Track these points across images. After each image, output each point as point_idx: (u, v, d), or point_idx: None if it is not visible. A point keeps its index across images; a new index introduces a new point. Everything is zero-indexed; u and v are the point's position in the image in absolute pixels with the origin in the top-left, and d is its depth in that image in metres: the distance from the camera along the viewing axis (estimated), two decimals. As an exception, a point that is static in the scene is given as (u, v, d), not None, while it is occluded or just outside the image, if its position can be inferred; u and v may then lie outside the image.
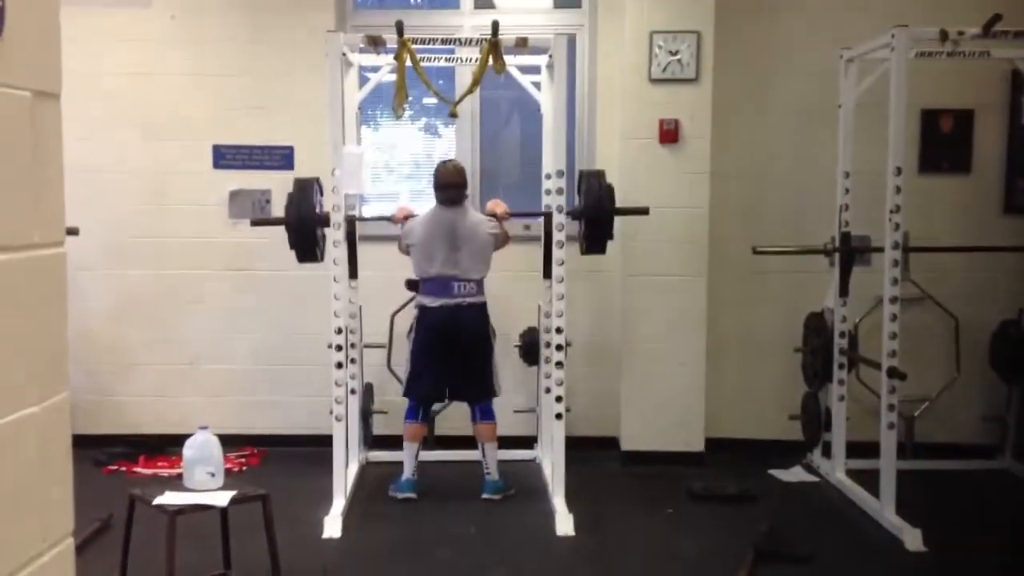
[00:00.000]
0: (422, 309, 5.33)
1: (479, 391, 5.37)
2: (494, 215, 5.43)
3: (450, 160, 5.66)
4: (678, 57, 5.81)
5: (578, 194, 5.50)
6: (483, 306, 5.35)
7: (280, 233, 6.09)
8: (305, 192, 5.23)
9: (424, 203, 6.52)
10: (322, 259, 5.29)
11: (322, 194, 5.26)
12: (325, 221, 5.11)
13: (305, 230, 5.19)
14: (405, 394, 5.43)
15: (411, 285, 5.43)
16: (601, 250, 5.45)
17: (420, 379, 5.36)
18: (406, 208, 5.50)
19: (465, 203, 5.43)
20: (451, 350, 5.30)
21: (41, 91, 1.32)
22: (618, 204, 5.94)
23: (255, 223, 5.27)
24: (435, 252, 5.28)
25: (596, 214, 5.30)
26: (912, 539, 4.60)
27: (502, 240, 5.45)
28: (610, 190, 5.32)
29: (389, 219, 5.51)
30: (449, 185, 5.35)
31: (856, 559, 4.56)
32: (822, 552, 4.54)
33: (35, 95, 1.30)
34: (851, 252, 5.58)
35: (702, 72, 5.83)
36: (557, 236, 5.00)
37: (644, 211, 5.40)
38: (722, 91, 5.91)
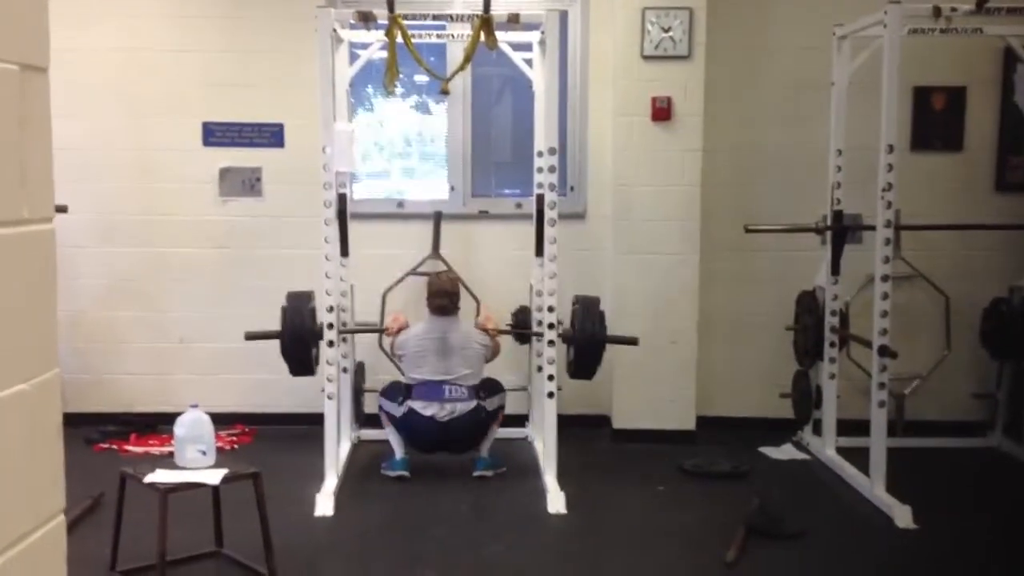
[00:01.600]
0: (411, 411, 5.27)
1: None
2: (485, 330, 5.44)
3: (444, 271, 5.69)
4: (670, 34, 5.78)
5: (572, 312, 5.40)
6: (477, 410, 5.28)
7: (269, 212, 6.11)
8: (299, 306, 5.20)
9: (413, 182, 6.52)
10: (315, 374, 5.25)
11: (314, 306, 5.24)
12: (319, 335, 5.08)
13: (299, 345, 5.18)
14: (383, 393, 5.43)
15: (401, 391, 5.39)
16: (588, 377, 5.41)
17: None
18: (400, 319, 5.48)
19: (457, 314, 5.43)
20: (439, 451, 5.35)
21: (29, 64, 1.30)
22: (609, 186, 5.95)
23: (249, 338, 5.24)
24: (426, 359, 5.30)
25: (588, 343, 5.26)
26: (902, 516, 4.63)
27: (493, 352, 5.47)
28: (602, 317, 5.29)
29: (383, 331, 5.51)
30: (442, 293, 5.37)
31: (846, 536, 4.58)
32: (812, 529, 4.57)
33: (22, 68, 1.28)
34: (843, 230, 5.58)
35: (694, 49, 5.81)
36: (549, 215, 4.98)
37: (634, 341, 5.36)
38: (715, 68, 5.89)
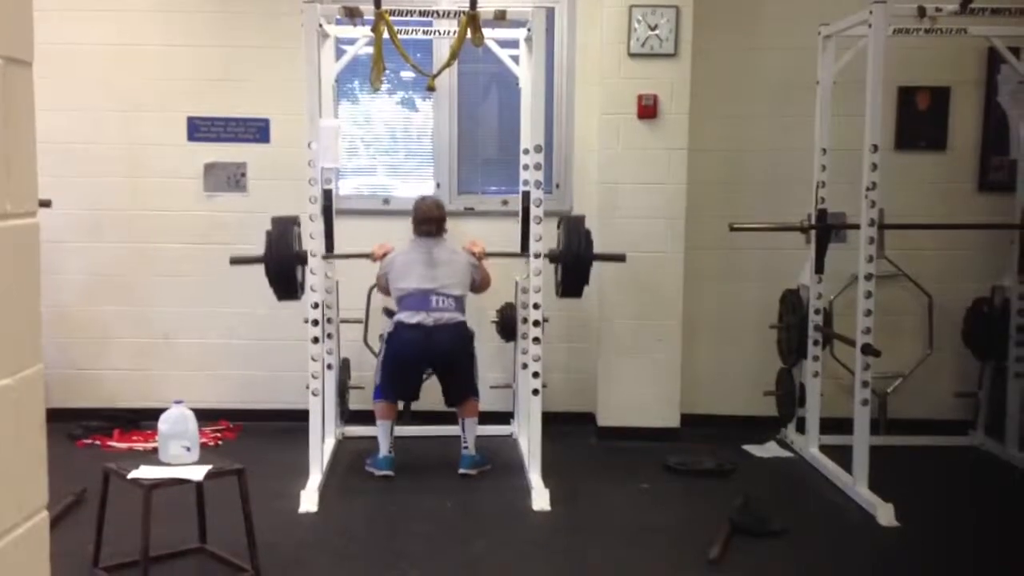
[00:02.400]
0: (398, 325, 5.27)
1: (457, 395, 5.38)
2: (472, 253, 5.42)
3: (429, 196, 5.66)
4: (657, 32, 5.79)
5: (558, 231, 5.43)
6: (460, 325, 5.29)
7: (254, 208, 6.08)
8: (284, 231, 5.17)
9: (399, 179, 6.51)
10: (301, 296, 5.22)
11: (300, 230, 5.20)
12: (303, 259, 5.06)
13: (284, 270, 5.15)
14: (376, 398, 5.39)
15: (390, 313, 5.41)
16: (577, 295, 5.42)
17: (391, 389, 5.33)
18: (385, 245, 5.46)
19: (444, 235, 5.41)
20: (424, 367, 5.33)
21: (12, 58, 1.29)
22: (594, 180, 5.95)
23: (234, 262, 5.20)
24: (412, 271, 5.28)
25: (575, 261, 5.27)
26: (885, 514, 4.65)
27: (483, 279, 5.44)
28: (588, 236, 5.29)
29: (368, 256, 5.48)
30: (429, 219, 5.36)
31: (829, 533, 4.61)
32: (796, 526, 4.58)
33: (6, 62, 1.27)
34: (827, 229, 5.60)
35: (681, 47, 5.82)
36: (535, 212, 4.98)
37: (621, 258, 5.39)
38: (701, 66, 5.91)
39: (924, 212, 5.95)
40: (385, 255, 5.40)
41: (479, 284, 5.45)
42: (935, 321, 6.08)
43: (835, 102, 5.57)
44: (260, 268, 5.99)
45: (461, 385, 5.36)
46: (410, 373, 5.33)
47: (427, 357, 5.29)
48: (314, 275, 4.97)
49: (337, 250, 5.58)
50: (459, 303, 5.29)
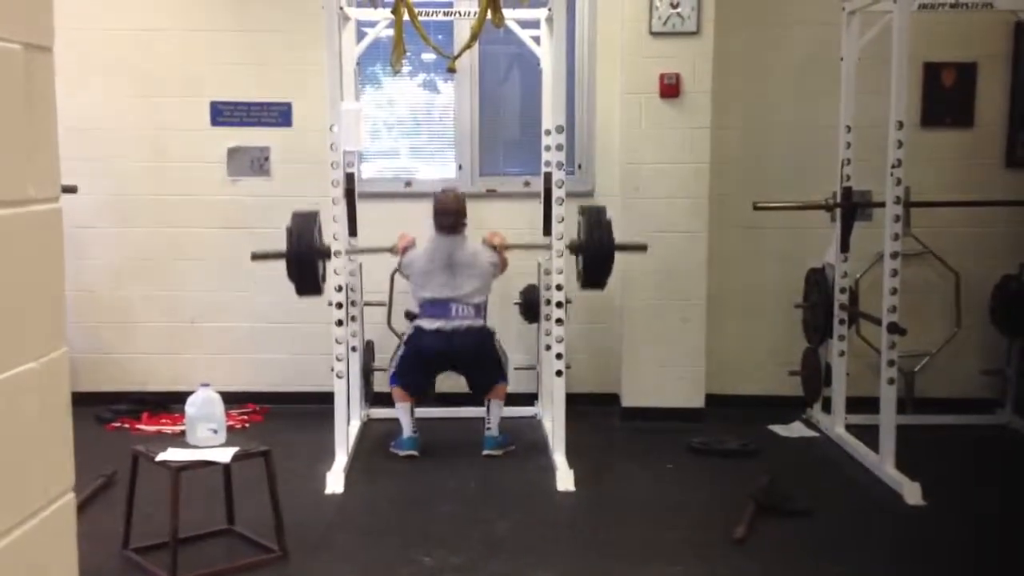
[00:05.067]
0: (417, 329, 5.31)
1: (483, 388, 5.41)
2: (492, 246, 5.42)
3: (449, 188, 5.64)
4: (679, 10, 5.75)
5: (578, 223, 5.39)
6: (481, 329, 5.32)
7: (278, 192, 6.11)
8: (305, 225, 5.17)
9: (421, 161, 6.51)
10: (323, 292, 5.21)
11: (321, 226, 5.19)
12: (326, 254, 5.07)
13: (306, 264, 5.14)
14: (391, 383, 5.42)
15: (411, 316, 5.43)
16: (600, 287, 5.38)
17: (410, 383, 5.37)
18: (407, 237, 5.45)
19: (464, 232, 5.41)
20: (445, 369, 5.37)
21: (32, 44, 1.30)
22: (616, 160, 5.92)
23: (255, 257, 5.20)
24: (433, 277, 5.29)
25: (596, 251, 5.23)
26: (911, 493, 4.63)
27: (501, 267, 5.46)
28: (609, 226, 5.26)
29: (390, 250, 5.48)
30: (447, 212, 5.35)
31: (855, 513, 4.59)
32: (821, 506, 4.57)
33: (26, 48, 1.28)
34: (853, 207, 5.55)
35: (703, 25, 5.78)
36: (557, 193, 4.97)
37: (643, 247, 5.35)
38: (724, 44, 5.86)
39: (950, 189, 5.90)
40: (406, 250, 5.40)
41: (497, 274, 5.46)
42: (962, 299, 6.03)
43: (860, 79, 5.52)
44: (281, 244, 6.03)
45: (486, 378, 5.39)
46: (428, 371, 5.39)
47: (448, 358, 5.33)
48: (337, 258, 4.98)
49: (360, 233, 5.59)
50: (479, 310, 5.32)
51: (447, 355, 5.29)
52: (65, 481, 1.41)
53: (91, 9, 5.99)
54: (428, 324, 5.27)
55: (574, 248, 5.22)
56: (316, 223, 5.15)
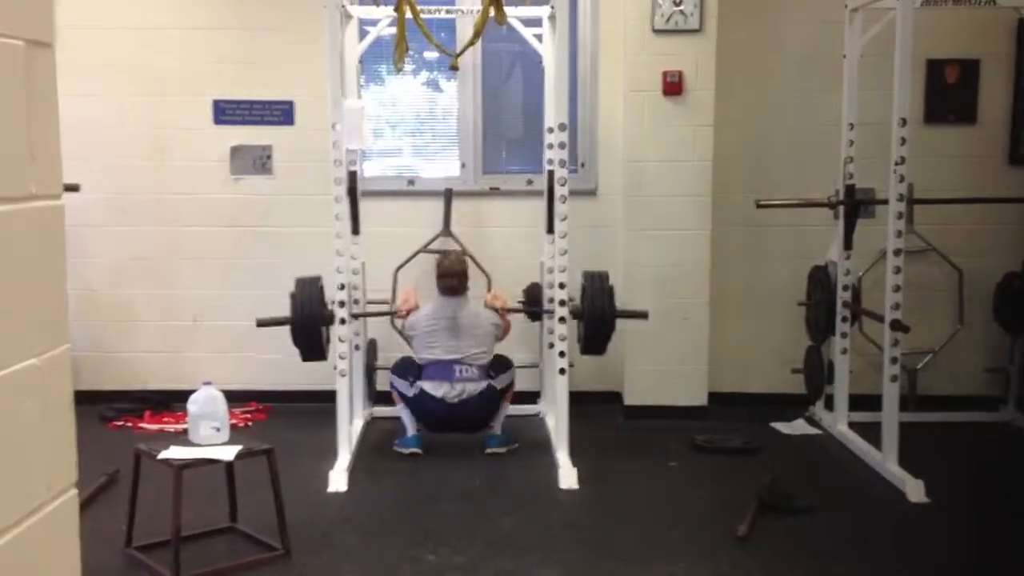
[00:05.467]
0: (421, 394, 5.29)
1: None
2: (494, 308, 5.43)
3: (452, 251, 5.69)
4: (681, 7, 5.74)
5: (581, 288, 5.38)
6: (485, 392, 5.29)
7: (281, 191, 6.12)
8: (308, 291, 5.17)
9: (424, 160, 6.50)
10: (327, 358, 5.23)
11: (324, 291, 5.20)
12: (329, 320, 5.08)
13: (310, 331, 5.15)
14: (391, 388, 5.45)
15: (407, 362, 5.44)
16: (600, 352, 5.39)
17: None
18: (410, 299, 5.46)
19: (466, 294, 5.44)
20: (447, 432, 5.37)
21: (34, 40, 1.30)
22: (619, 158, 5.92)
23: (260, 324, 5.21)
24: (437, 339, 5.31)
25: (598, 319, 5.22)
26: (914, 490, 4.63)
27: (504, 331, 5.48)
28: (611, 293, 5.26)
29: (393, 313, 5.49)
30: (452, 274, 5.38)
31: (858, 510, 4.58)
32: (824, 504, 4.57)
33: (28, 44, 1.28)
34: (856, 204, 5.54)
35: (706, 22, 5.77)
36: (560, 191, 4.96)
37: (644, 315, 5.33)
38: (726, 42, 5.86)
39: (954, 186, 5.89)
40: (409, 313, 5.41)
41: (500, 337, 5.49)
42: (965, 296, 6.02)
43: (863, 76, 5.51)
44: (284, 246, 6.06)
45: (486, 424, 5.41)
46: (437, 429, 5.37)
47: (453, 424, 5.32)
48: (340, 256, 4.98)
49: (363, 231, 5.60)
50: (484, 371, 5.32)
51: (450, 422, 5.29)
52: (68, 477, 1.41)
53: (93, 7, 6.00)
54: (432, 389, 5.26)
55: (576, 314, 5.22)
56: (319, 288, 5.15)
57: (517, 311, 5.65)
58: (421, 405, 5.29)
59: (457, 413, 5.25)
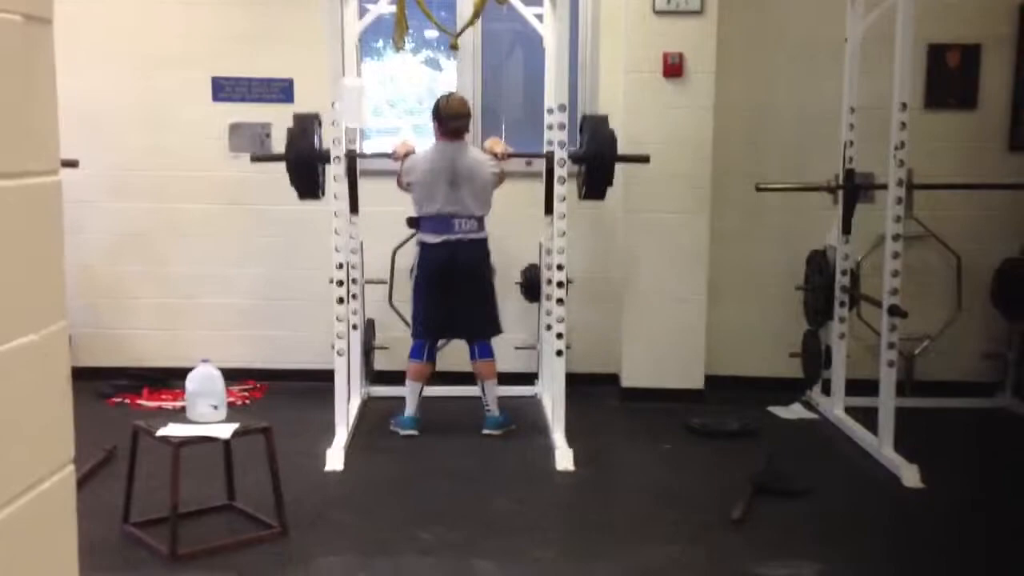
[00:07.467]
0: (423, 246, 5.31)
1: (480, 327, 5.38)
2: (494, 154, 5.38)
3: (453, 93, 5.60)
4: (683, -11, 5.72)
5: (580, 134, 5.41)
6: (483, 242, 5.33)
7: (281, 168, 6.08)
8: (305, 128, 5.15)
9: (426, 138, 6.48)
10: (323, 196, 5.24)
11: (322, 129, 5.20)
12: (325, 157, 5.05)
13: (305, 167, 5.13)
14: (414, 336, 5.43)
15: (412, 222, 5.40)
16: (600, 196, 5.40)
17: (426, 317, 5.37)
18: (408, 144, 5.44)
19: (466, 138, 5.38)
20: (451, 285, 5.30)
21: (31, 15, 1.29)
22: (620, 142, 5.89)
23: (255, 159, 5.20)
24: (436, 190, 5.24)
25: (598, 160, 5.21)
26: (909, 475, 4.64)
27: (500, 179, 5.42)
28: (612, 136, 5.24)
29: (390, 155, 5.46)
30: (459, 115, 5.28)
31: (853, 495, 4.60)
32: (819, 488, 4.58)
33: (25, 19, 1.27)
34: (855, 189, 5.54)
35: (707, 4, 5.75)
36: (558, 172, 4.96)
37: (645, 159, 5.32)
38: (727, 24, 5.83)
39: (953, 172, 5.88)
40: (407, 155, 5.37)
41: (496, 185, 5.42)
42: (963, 282, 6.02)
43: (863, 60, 5.49)
44: (282, 225, 6.04)
45: (480, 316, 5.36)
46: (442, 287, 5.29)
47: (453, 271, 5.27)
48: (338, 236, 4.98)
49: (361, 211, 5.59)
50: (481, 222, 5.32)
51: (452, 267, 5.25)
52: (65, 453, 1.41)
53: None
54: (432, 238, 5.26)
55: (576, 158, 5.19)
56: (315, 125, 5.11)
57: (518, 156, 5.56)
58: (426, 256, 5.28)
59: (458, 254, 5.22)
